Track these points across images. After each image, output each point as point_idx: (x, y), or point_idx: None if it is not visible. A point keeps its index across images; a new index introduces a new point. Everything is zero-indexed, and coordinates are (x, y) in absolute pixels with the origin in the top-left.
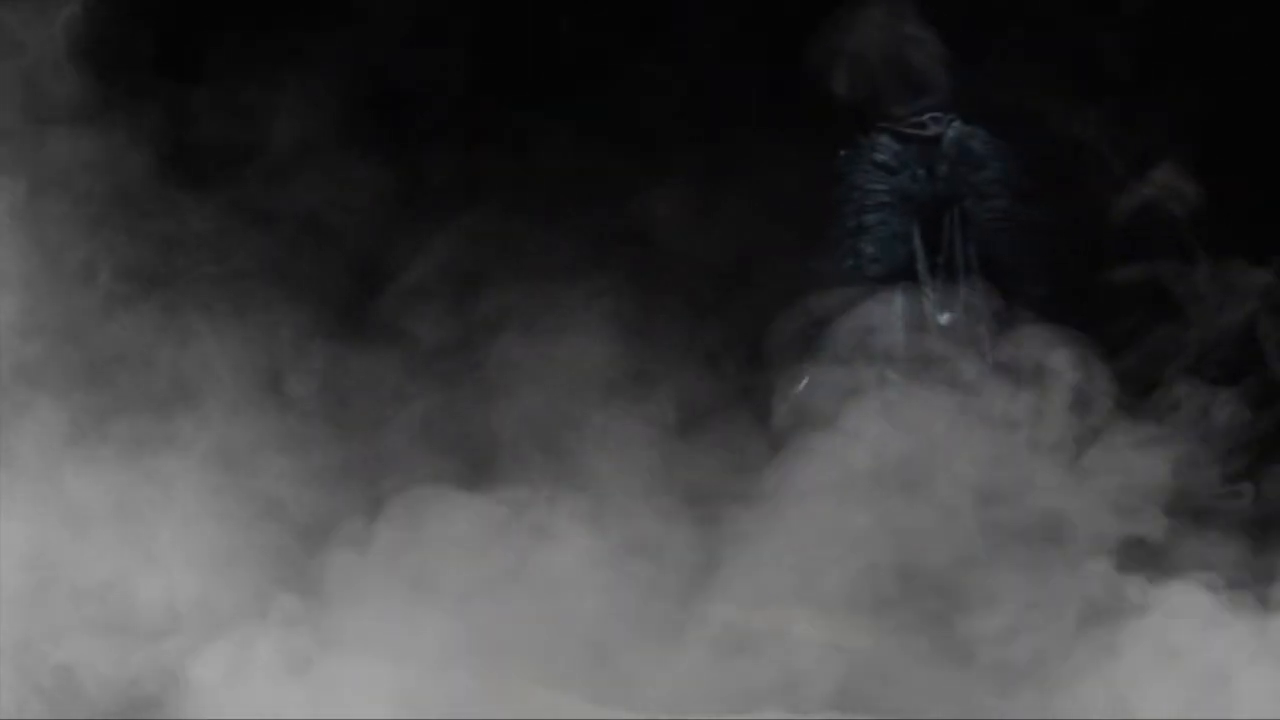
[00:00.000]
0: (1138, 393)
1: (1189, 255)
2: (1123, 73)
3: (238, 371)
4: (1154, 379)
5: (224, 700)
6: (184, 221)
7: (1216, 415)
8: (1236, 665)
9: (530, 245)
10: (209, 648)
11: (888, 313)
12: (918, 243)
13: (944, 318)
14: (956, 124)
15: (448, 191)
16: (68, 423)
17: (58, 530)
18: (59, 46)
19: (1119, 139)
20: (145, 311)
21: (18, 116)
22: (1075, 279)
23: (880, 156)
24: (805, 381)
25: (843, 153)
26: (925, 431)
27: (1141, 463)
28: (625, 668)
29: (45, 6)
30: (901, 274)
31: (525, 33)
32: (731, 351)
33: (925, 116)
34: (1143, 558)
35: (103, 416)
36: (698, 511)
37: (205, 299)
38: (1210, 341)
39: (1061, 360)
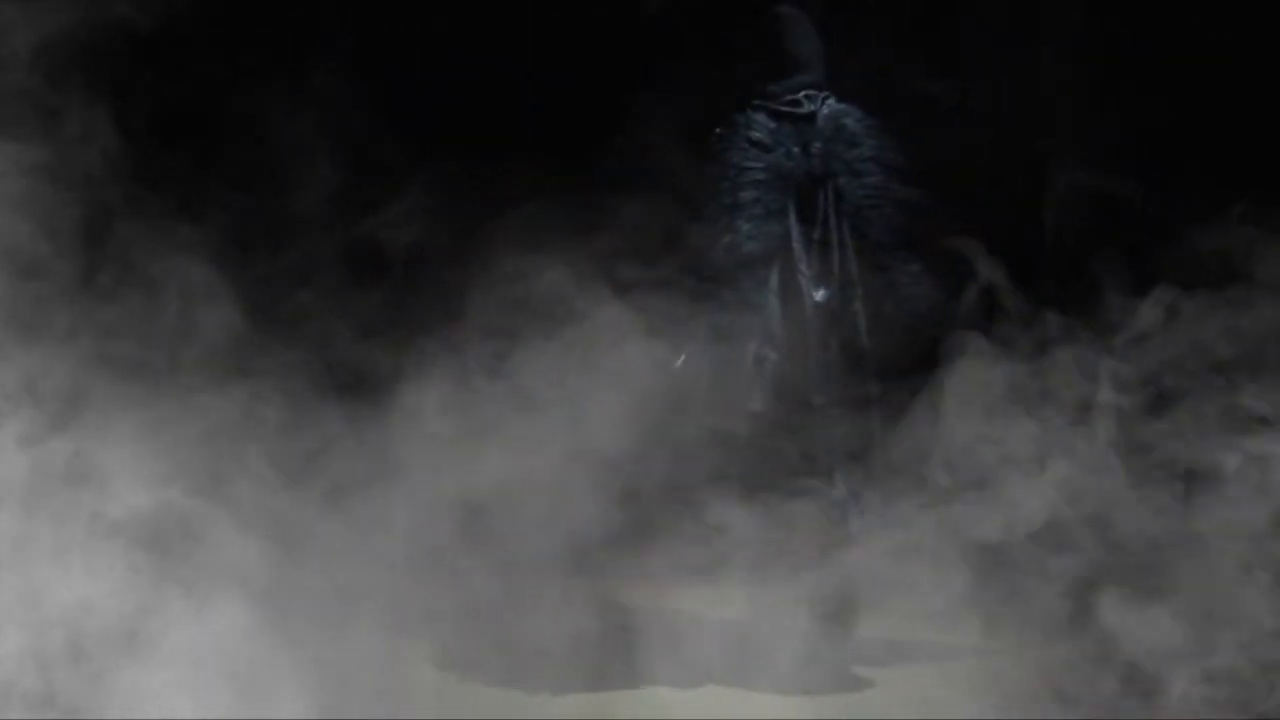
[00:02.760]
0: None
1: (1065, 228)
2: (999, 49)
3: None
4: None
5: None
6: None
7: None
8: None
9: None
10: None
11: (763, 289)
12: (793, 219)
13: (819, 294)
14: (830, 101)
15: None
16: None
17: None
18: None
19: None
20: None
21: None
22: (949, 255)
23: (755, 134)
24: (682, 358)
25: (718, 130)
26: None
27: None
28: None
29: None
30: (777, 250)
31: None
32: None
33: (800, 94)
34: None
35: None
36: None
37: None
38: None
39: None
